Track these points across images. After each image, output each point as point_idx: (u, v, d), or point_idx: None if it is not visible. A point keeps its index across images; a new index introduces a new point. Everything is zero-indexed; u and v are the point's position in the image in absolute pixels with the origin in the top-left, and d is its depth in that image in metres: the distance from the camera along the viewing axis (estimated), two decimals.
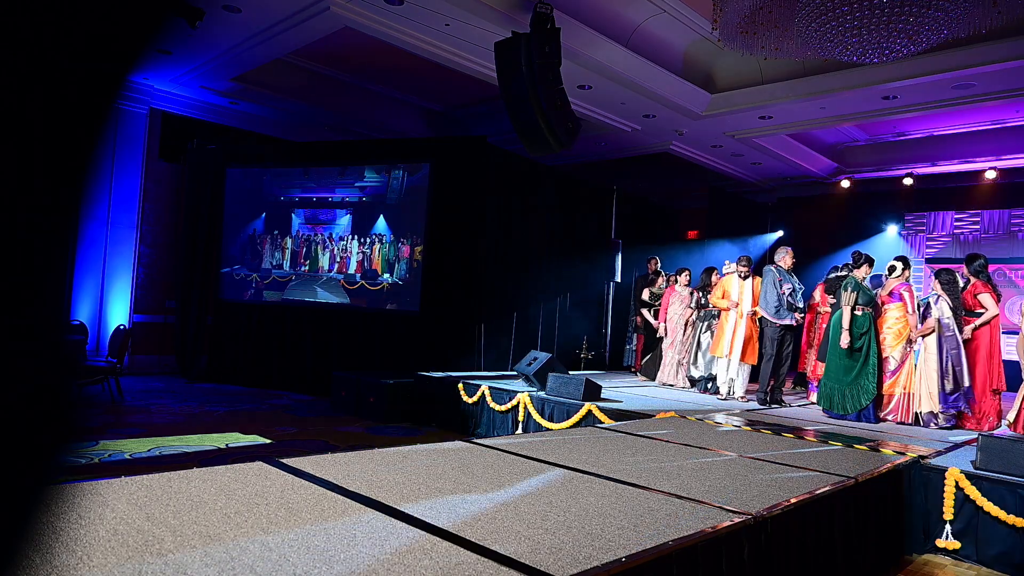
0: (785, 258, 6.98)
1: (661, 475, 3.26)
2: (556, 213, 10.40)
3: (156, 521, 2.13)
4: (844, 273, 6.82)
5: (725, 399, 7.18)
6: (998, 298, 5.97)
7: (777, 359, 6.87)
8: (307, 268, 9.71)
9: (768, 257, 12.78)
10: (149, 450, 5.31)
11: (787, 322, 6.78)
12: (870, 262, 6.24)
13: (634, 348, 10.13)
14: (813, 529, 3.03)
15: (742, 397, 7.15)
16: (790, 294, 6.77)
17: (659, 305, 8.73)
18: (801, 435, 4.84)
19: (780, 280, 6.78)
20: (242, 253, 10.05)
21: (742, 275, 7.23)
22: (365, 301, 9.31)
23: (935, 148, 11.00)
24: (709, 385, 7.73)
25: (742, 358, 7.11)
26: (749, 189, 13.52)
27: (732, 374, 7.22)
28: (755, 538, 2.59)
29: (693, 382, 7.85)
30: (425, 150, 9.33)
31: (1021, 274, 10.60)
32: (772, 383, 6.99)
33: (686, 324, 8.24)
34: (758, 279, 7.19)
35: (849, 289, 5.99)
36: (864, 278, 6.20)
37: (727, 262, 8.04)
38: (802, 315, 7.08)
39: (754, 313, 7.08)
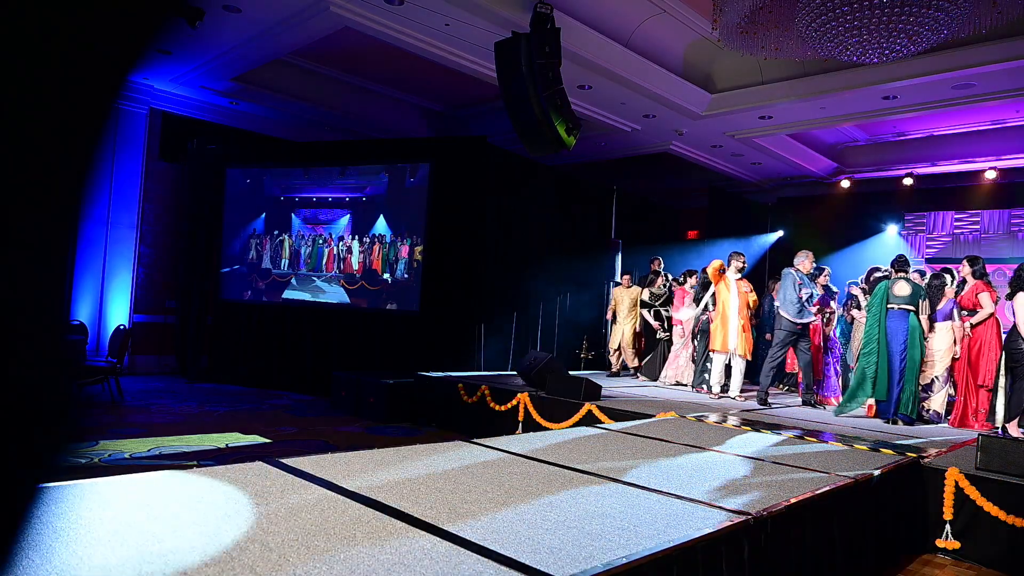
0: (804, 262, 6.96)
1: (661, 475, 3.26)
2: (556, 213, 10.40)
3: (156, 521, 2.13)
4: (883, 275, 6.77)
5: (719, 398, 7.21)
6: (997, 299, 6.04)
7: (783, 362, 6.87)
8: (307, 268, 9.71)
9: (769, 258, 12.79)
10: (149, 450, 5.31)
11: (808, 320, 6.81)
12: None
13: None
14: (813, 529, 3.02)
15: (740, 396, 7.18)
16: (807, 298, 6.79)
17: (658, 306, 8.73)
18: (801, 435, 4.84)
19: (800, 284, 6.77)
20: (242, 253, 10.05)
21: (740, 270, 7.41)
22: (365, 301, 9.31)
23: (935, 148, 10.99)
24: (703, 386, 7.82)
25: (740, 353, 7.21)
26: (749, 189, 13.51)
27: (728, 372, 7.30)
28: (755, 538, 2.58)
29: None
30: (425, 150, 9.33)
31: None
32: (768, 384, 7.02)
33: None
34: (743, 280, 7.41)
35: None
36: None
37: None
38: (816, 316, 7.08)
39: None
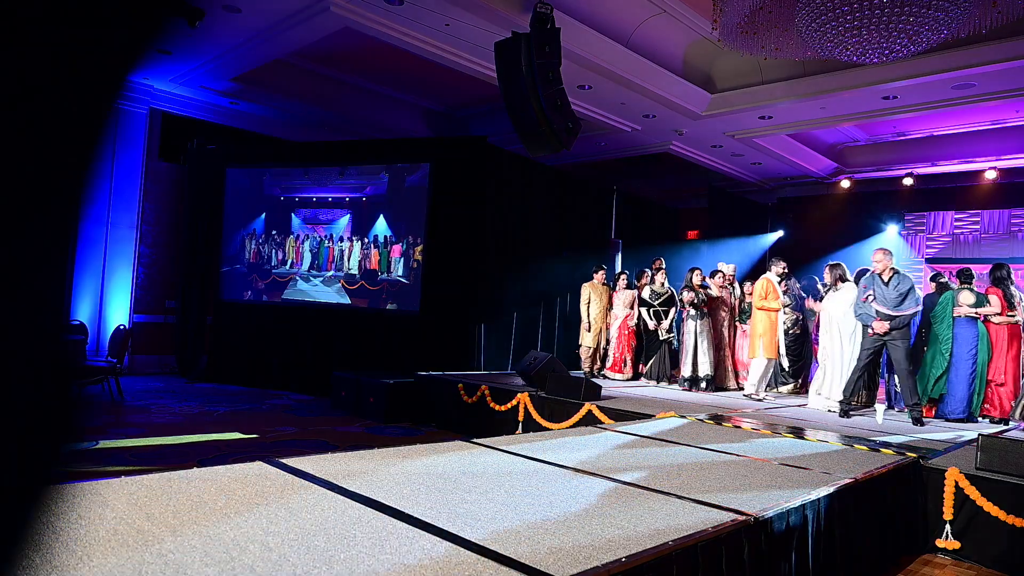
0: (880, 259, 6.23)
1: (661, 475, 3.26)
2: (556, 213, 10.39)
3: (156, 521, 2.13)
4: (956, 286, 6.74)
5: (771, 400, 7.28)
6: (1007, 303, 6.27)
7: (866, 368, 6.38)
8: (307, 268, 9.71)
9: (769, 256, 12.79)
10: (149, 450, 5.30)
11: (865, 321, 6.23)
12: None
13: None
14: (813, 529, 3.02)
15: (757, 397, 7.28)
16: (871, 299, 6.20)
17: (657, 305, 8.62)
18: (801, 435, 4.84)
19: (865, 286, 6.25)
20: (242, 253, 10.05)
21: (780, 276, 7.53)
22: (365, 301, 9.31)
23: (935, 148, 11.00)
24: (704, 385, 7.84)
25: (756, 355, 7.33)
26: (749, 189, 13.52)
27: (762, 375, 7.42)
28: (755, 538, 2.58)
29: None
30: (425, 150, 9.33)
31: (1021, 274, 10.60)
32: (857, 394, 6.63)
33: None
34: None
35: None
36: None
37: (720, 263, 8.15)
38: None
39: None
